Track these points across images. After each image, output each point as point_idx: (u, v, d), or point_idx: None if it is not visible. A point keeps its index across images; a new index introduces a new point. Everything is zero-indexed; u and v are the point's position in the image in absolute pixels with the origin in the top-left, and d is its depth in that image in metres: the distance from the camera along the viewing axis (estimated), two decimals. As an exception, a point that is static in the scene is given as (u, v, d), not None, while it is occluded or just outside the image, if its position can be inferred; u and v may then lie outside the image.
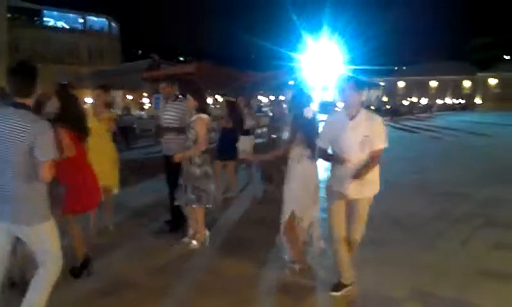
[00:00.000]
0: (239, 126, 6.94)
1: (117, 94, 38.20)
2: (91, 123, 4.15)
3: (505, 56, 62.69)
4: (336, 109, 31.46)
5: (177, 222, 4.93)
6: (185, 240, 4.55)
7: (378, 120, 3.38)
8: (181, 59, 62.03)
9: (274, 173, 6.98)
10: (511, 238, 4.90)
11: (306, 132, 3.66)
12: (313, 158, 3.71)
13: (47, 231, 2.66)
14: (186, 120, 4.63)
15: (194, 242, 4.49)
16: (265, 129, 19.00)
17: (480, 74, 59.16)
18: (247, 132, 7.38)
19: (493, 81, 58.42)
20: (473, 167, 10.02)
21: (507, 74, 55.82)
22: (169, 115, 4.83)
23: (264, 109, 25.71)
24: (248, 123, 7.42)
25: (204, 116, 4.37)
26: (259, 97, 33.26)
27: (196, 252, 4.40)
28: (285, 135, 7.01)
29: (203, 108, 4.44)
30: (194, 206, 4.41)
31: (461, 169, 9.72)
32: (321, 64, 29.84)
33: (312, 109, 3.76)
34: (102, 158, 4.34)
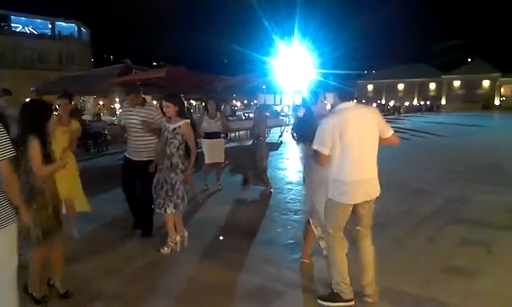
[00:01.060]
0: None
1: (88, 100, 37.61)
2: (56, 132, 4.15)
3: (468, 59, 65.27)
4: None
5: (146, 226, 4.96)
6: (166, 249, 4.55)
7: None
8: (154, 63, 61.41)
9: (251, 175, 7.14)
10: (475, 234, 5.10)
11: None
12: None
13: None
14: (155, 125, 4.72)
15: (165, 248, 4.51)
16: (242, 132, 19.21)
17: (444, 76, 61.33)
18: (210, 136, 7.47)
19: (456, 83, 60.68)
20: (439, 166, 10.39)
21: (469, 76, 58.09)
22: (136, 120, 4.80)
23: (239, 113, 25.76)
24: (208, 126, 7.56)
25: (188, 120, 4.45)
26: (234, 101, 33.40)
27: (169, 258, 4.40)
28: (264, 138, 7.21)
29: (183, 112, 4.50)
30: (173, 211, 4.42)
31: (427, 169, 10.08)
32: (293, 69, 30.29)
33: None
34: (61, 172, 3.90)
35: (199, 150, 7.16)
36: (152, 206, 4.64)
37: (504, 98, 57.15)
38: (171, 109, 4.38)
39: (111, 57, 64.89)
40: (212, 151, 7.54)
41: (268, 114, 22.50)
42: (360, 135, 3.22)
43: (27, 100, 3.88)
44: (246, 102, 41.79)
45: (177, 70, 14.86)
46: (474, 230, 5.27)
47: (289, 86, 30.16)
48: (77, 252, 4.42)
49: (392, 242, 4.82)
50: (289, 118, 28.10)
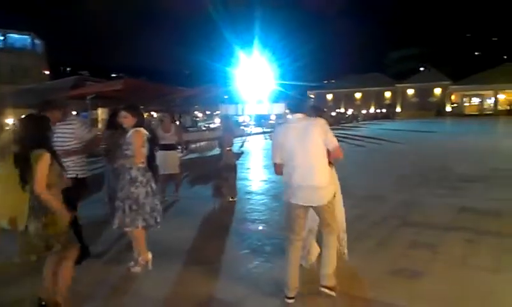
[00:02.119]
0: None
1: (40, 114, 36.10)
2: None
3: (421, 68, 68.34)
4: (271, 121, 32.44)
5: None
6: (131, 264, 4.38)
7: None
8: (113, 75, 60.20)
9: (224, 185, 7.20)
10: (424, 237, 5.32)
11: None
12: None
13: None
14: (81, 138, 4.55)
15: (137, 267, 4.34)
16: (203, 143, 19.18)
17: (398, 85, 63.87)
18: (164, 148, 7.43)
19: (410, 91, 63.28)
20: (391, 172, 10.79)
21: (422, 84, 60.75)
22: (63, 137, 4.47)
23: (200, 124, 25.66)
24: (168, 138, 7.54)
25: (140, 129, 4.28)
26: (195, 112, 33.23)
27: (138, 277, 4.26)
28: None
29: (142, 123, 4.36)
30: (138, 227, 4.24)
31: (381, 175, 10.44)
32: (254, 79, 30.66)
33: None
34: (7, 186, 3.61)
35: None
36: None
37: (455, 105, 60.15)
38: (129, 119, 4.26)
39: (68, 69, 62.96)
40: (167, 162, 7.48)
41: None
42: (301, 145, 3.49)
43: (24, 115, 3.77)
44: (208, 112, 41.69)
45: (135, 81, 14.73)
46: (422, 232, 5.50)
47: (251, 96, 30.51)
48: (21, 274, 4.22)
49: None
50: (250, 128, 28.34)
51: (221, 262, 4.65)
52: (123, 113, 4.30)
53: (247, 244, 5.25)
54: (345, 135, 25.05)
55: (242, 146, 15.74)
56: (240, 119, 33.20)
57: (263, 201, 7.61)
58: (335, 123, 40.62)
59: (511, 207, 6.60)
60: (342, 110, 61.85)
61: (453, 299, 3.63)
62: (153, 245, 4.62)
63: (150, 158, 4.91)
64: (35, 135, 3.22)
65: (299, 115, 3.64)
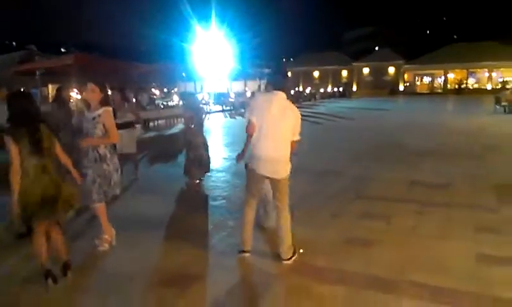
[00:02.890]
0: None
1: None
2: None
3: (376, 47, 69.96)
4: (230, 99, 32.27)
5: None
6: (96, 241, 4.37)
7: None
8: (63, 50, 57.28)
9: (193, 167, 7.04)
10: (375, 208, 5.62)
11: None
12: None
13: None
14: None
15: (105, 244, 4.34)
16: (161, 121, 18.79)
17: (355, 64, 65.17)
18: (119, 126, 7.25)
19: (366, 70, 64.80)
20: (347, 148, 11.15)
21: (377, 63, 62.29)
22: None
23: (158, 102, 25.06)
24: (125, 116, 7.35)
25: (109, 108, 4.20)
26: (153, 90, 32.34)
27: (104, 254, 4.27)
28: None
29: (107, 101, 4.26)
30: (99, 204, 4.26)
31: (337, 151, 10.76)
32: (212, 56, 30.20)
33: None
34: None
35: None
36: None
37: (408, 84, 62.35)
38: (95, 94, 4.12)
39: (14, 43, 59.11)
40: (123, 141, 7.31)
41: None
42: (276, 121, 3.75)
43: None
44: (166, 90, 40.75)
45: (86, 56, 14.07)
46: (375, 205, 5.80)
47: (209, 73, 30.09)
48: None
49: (298, 219, 5.07)
50: (209, 106, 28.05)
51: (185, 238, 4.69)
52: (91, 86, 4.15)
53: (210, 219, 5.33)
54: (304, 113, 25.47)
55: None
56: (199, 96, 32.79)
57: (224, 178, 7.67)
58: (294, 100, 41.04)
59: (456, 179, 7.05)
60: (301, 88, 62.40)
61: (404, 264, 3.91)
62: (117, 222, 4.59)
63: None
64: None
65: (280, 93, 3.82)
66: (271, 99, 3.80)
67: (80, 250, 4.32)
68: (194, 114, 7.08)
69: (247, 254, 4.05)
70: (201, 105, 7.81)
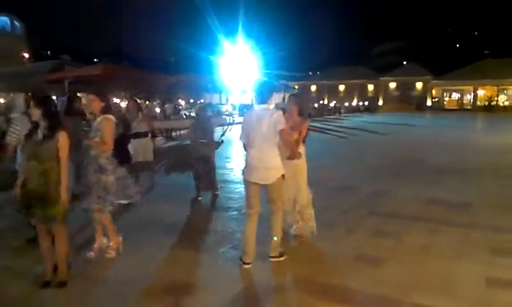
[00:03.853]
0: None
1: (18, 98, 35.37)
2: None
3: (403, 62, 69.12)
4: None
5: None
6: (90, 254, 4.39)
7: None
8: (95, 60, 59.11)
9: (202, 173, 7.02)
10: (388, 226, 5.52)
11: None
12: None
13: None
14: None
15: (112, 252, 4.38)
16: (183, 131, 19.08)
17: (381, 78, 64.48)
18: (138, 136, 7.39)
19: (392, 85, 63.98)
20: (366, 163, 11.01)
21: (404, 78, 61.45)
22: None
23: (183, 112, 25.47)
24: (137, 126, 7.45)
25: (110, 116, 4.27)
26: (180, 100, 32.97)
27: (110, 261, 4.32)
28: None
29: (109, 109, 4.37)
30: (110, 209, 4.30)
31: (356, 165, 10.63)
32: (238, 68, 30.51)
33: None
34: None
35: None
36: None
37: (436, 100, 61.12)
38: (96, 103, 4.24)
39: (49, 52, 61.42)
40: (139, 150, 7.47)
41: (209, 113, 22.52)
42: (255, 130, 4.09)
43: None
44: (192, 100, 41.43)
45: (115, 67, 14.48)
46: (388, 222, 5.70)
47: (234, 85, 30.40)
48: None
49: (311, 236, 5.08)
50: (233, 117, 28.26)
51: (190, 247, 4.73)
52: (90, 96, 4.30)
53: (218, 230, 5.37)
54: (328, 127, 25.33)
55: (223, 135, 15.69)
56: (224, 108, 33.14)
57: (238, 190, 7.69)
58: (318, 114, 40.91)
59: (478, 199, 6.84)
60: (326, 101, 62.11)
61: (410, 284, 3.80)
62: (125, 228, 4.68)
63: (123, 145, 4.93)
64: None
65: (262, 105, 4.20)
66: (250, 115, 4.28)
67: (84, 258, 4.38)
68: (203, 128, 6.95)
69: (247, 266, 4.13)
70: (211, 119, 7.65)
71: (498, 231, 5.25)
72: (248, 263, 4.13)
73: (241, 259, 4.17)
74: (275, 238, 4.23)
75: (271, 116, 4.04)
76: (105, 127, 4.19)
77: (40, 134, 3.52)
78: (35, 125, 3.58)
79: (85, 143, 4.28)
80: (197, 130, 7.02)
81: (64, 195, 3.48)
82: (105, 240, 4.49)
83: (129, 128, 6.93)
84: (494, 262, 4.29)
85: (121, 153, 4.88)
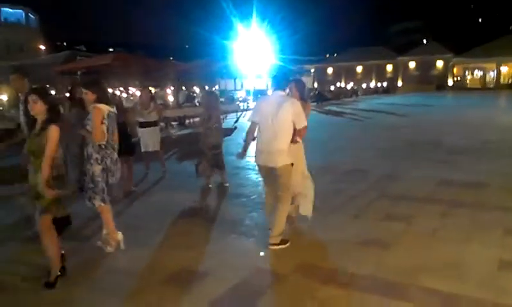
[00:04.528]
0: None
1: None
2: None
3: (423, 40, 67.33)
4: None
5: None
6: (99, 243, 4.37)
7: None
8: (110, 49, 59.72)
9: (204, 165, 6.86)
10: (398, 209, 5.39)
11: None
12: None
13: None
14: None
15: (109, 247, 4.30)
16: (197, 119, 19.11)
17: (400, 58, 62.90)
18: (144, 125, 7.37)
19: (412, 64, 62.40)
20: (380, 145, 10.79)
21: (424, 57, 59.82)
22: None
23: (198, 100, 25.45)
24: (147, 116, 7.44)
25: (101, 105, 4.14)
26: (194, 87, 32.93)
27: (108, 256, 4.26)
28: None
29: (103, 99, 4.23)
30: (98, 205, 4.22)
31: (369, 148, 10.40)
32: (253, 53, 30.21)
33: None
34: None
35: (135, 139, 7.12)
36: None
37: (457, 79, 59.44)
38: (89, 96, 4.18)
39: (64, 44, 62.27)
40: (147, 140, 7.47)
41: (222, 100, 22.46)
42: (271, 117, 4.12)
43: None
44: (207, 87, 41.43)
45: (125, 55, 14.54)
46: (399, 204, 5.57)
47: (249, 70, 30.15)
48: None
49: (317, 220, 4.98)
50: (247, 103, 28.13)
51: (196, 236, 4.72)
52: (82, 90, 4.25)
53: (226, 218, 5.32)
54: (342, 110, 24.98)
55: (236, 121, 15.67)
56: (238, 94, 33.01)
57: (249, 176, 7.65)
58: (335, 97, 40.38)
59: (492, 179, 6.63)
60: (343, 84, 61.18)
61: (419, 268, 3.70)
62: (137, 217, 4.68)
63: (122, 136, 4.86)
64: None
65: (278, 92, 4.29)
66: (267, 99, 4.40)
67: (89, 248, 4.42)
68: (211, 114, 6.75)
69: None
70: (219, 105, 7.46)
71: (510, 212, 5.07)
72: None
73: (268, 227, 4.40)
74: (275, 229, 4.21)
75: (291, 105, 4.12)
76: (94, 118, 4.10)
77: (36, 129, 3.51)
78: (34, 120, 3.56)
79: (80, 133, 4.25)
80: (206, 116, 6.80)
81: (43, 187, 3.36)
82: (120, 234, 4.40)
83: (126, 116, 6.75)
84: (506, 244, 4.14)
85: (122, 143, 4.78)
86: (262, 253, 4.15)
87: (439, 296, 3.22)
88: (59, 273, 3.61)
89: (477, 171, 7.27)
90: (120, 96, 7.47)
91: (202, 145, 6.83)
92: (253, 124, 4.41)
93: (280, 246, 4.20)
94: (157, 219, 5.30)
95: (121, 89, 20.42)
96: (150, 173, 7.83)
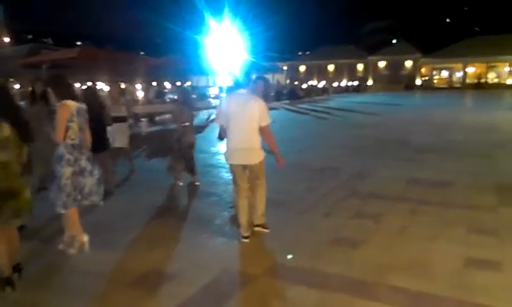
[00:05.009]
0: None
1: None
2: None
3: (393, 40, 68.77)
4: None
5: None
6: (61, 246, 4.15)
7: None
8: (78, 43, 58.13)
9: (176, 162, 6.70)
10: (368, 207, 5.44)
11: None
12: None
13: None
14: None
15: (71, 249, 4.09)
16: (167, 116, 18.77)
17: (371, 57, 64.10)
18: (115, 120, 7.14)
19: (382, 64, 63.71)
20: (349, 144, 10.93)
21: (394, 57, 61.18)
22: None
23: (169, 96, 25.05)
24: (120, 110, 7.23)
25: (68, 101, 3.89)
26: (165, 83, 32.38)
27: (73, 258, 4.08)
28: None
29: (68, 95, 3.97)
30: (59, 211, 4.00)
31: (339, 146, 10.53)
32: (225, 49, 29.99)
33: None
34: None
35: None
36: None
37: (425, 78, 61.07)
38: (53, 92, 3.98)
39: (30, 36, 60.02)
40: (115, 135, 7.24)
41: (194, 96, 22.14)
42: (238, 114, 4.16)
43: None
44: (178, 83, 40.87)
45: (92, 49, 14.12)
46: (369, 203, 5.62)
47: (222, 67, 29.90)
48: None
49: (289, 219, 5.00)
50: (220, 100, 27.88)
51: (165, 237, 4.61)
52: (47, 88, 4.04)
53: (197, 217, 5.22)
54: (313, 108, 25.19)
55: (209, 119, 15.43)
56: (210, 91, 32.79)
57: (220, 174, 7.57)
58: (306, 95, 40.67)
59: (458, 178, 6.79)
60: (315, 82, 61.76)
61: (388, 266, 3.73)
62: (105, 217, 4.52)
63: (97, 131, 4.66)
64: None
65: (240, 91, 4.31)
66: (230, 98, 4.36)
67: (53, 249, 4.21)
68: (184, 112, 6.56)
69: (246, 240, 4.30)
70: (193, 102, 7.30)
71: (477, 210, 5.22)
72: (247, 237, 4.31)
73: (240, 235, 4.34)
74: (260, 208, 4.44)
75: (256, 103, 4.17)
76: (57, 116, 3.88)
77: None
78: None
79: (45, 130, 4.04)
80: (180, 114, 6.61)
81: None
82: (86, 237, 4.21)
83: (103, 109, 6.52)
84: (472, 241, 4.25)
85: (96, 140, 4.56)
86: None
87: (406, 294, 3.24)
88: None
89: (443, 170, 7.44)
90: (95, 88, 7.13)
91: (177, 143, 6.60)
92: (221, 126, 4.43)
93: (266, 231, 4.46)
94: (124, 219, 5.14)
95: (89, 84, 19.81)
96: (117, 171, 7.60)
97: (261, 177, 4.42)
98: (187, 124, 6.56)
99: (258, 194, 4.44)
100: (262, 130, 4.24)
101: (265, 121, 4.21)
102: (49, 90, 4.02)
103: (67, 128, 3.90)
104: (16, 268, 3.50)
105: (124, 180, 7.19)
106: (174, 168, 6.77)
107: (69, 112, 3.87)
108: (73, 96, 4.05)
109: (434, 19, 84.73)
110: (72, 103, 3.92)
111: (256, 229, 4.47)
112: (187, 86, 25.73)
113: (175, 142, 6.68)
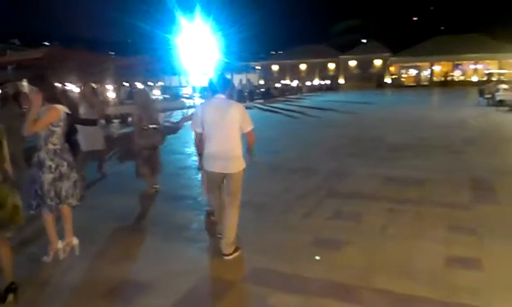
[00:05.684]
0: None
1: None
2: None
3: (363, 40, 69.90)
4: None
5: None
6: (45, 258, 3.96)
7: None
8: (46, 44, 56.34)
9: (141, 167, 6.43)
10: (347, 206, 5.39)
11: None
12: None
13: None
14: None
15: (45, 257, 3.93)
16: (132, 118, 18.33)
17: (342, 57, 64.93)
18: (86, 123, 6.82)
19: (352, 63, 64.64)
20: (325, 143, 10.95)
21: (364, 56, 62.19)
22: None
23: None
24: (90, 113, 6.91)
25: (58, 106, 3.79)
26: (137, 83, 31.71)
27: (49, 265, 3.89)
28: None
29: (54, 98, 3.83)
30: (46, 214, 3.87)
31: (316, 146, 10.54)
32: (198, 49, 29.64)
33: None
34: None
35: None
36: None
37: (394, 77, 62.40)
38: (37, 94, 3.66)
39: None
40: (89, 137, 6.94)
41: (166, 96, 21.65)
42: (218, 121, 3.91)
43: None
44: (150, 83, 40.17)
45: (60, 50, 13.62)
46: (347, 202, 5.58)
47: (194, 66, 29.55)
48: None
49: (268, 221, 4.91)
50: (193, 100, 27.55)
51: (139, 244, 4.43)
52: (32, 88, 3.81)
53: (171, 223, 5.03)
54: (288, 107, 25.24)
55: (182, 119, 15.18)
56: (184, 91, 32.35)
57: (194, 177, 7.38)
58: (280, 94, 40.78)
59: (433, 175, 6.87)
60: (288, 81, 62.06)
61: (370, 268, 3.67)
62: (76, 223, 4.26)
63: (68, 134, 4.43)
64: None
65: (218, 96, 4.04)
66: (209, 105, 4.06)
67: (21, 259, 3.97)
68: (143, 114, 6.13)
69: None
70: (153, 103, 7.00)
71: (454, 207, 5.26)
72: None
73: (218, 233, 4.24)
74: (229, 236, 3.95)
75: (237, 108, 3.96)
76: (47, 115, 3.72)
77: None
78: None
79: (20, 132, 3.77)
80: (141, 116, 6.17)
81: None
82: (60, 244, 4.05)
83: (76, 115, 6.26)
84: (451, 239, 4.25)
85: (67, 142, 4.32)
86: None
87: (390, 297, 3.18)
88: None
89: (418, 167, 7.51)
90: (70, 91, 6.82)
91: (134, 146, 6.29)
92: (199, 134, 4.11)
93: (234, 254, 3.96)
94: (96, 226, 4.90)
95: (58, 85, 19.16)
96: (87, 175, 7.28)
97: (237, 192, 4.03)
98: (150, 126, 6.16)
99: (230, 219, 3.99)
100: (247, 135, 4.04)
101: (249, 127, 3.99)
102: (31, 91, 3.77)
103: (51, 133, 3.78)
104: (10, 289, 3.23)
105: (94, 185, 6.91)
106: (143, 173, 6.42)
107: (57, 118, 3.77)
108: (58, 99, 3.92)
109: (402, 18, 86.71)
110: (61, 108, 3.81)
111: (226, 257, 3.94)
112: (151, 86, 25.32)
113: (134, 146, 6.34)
